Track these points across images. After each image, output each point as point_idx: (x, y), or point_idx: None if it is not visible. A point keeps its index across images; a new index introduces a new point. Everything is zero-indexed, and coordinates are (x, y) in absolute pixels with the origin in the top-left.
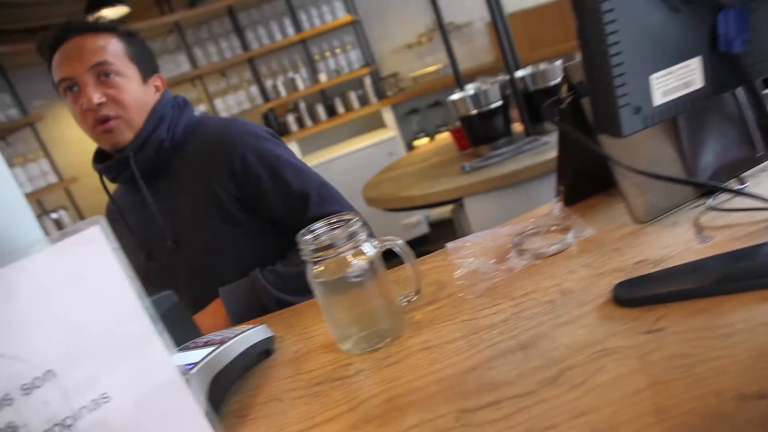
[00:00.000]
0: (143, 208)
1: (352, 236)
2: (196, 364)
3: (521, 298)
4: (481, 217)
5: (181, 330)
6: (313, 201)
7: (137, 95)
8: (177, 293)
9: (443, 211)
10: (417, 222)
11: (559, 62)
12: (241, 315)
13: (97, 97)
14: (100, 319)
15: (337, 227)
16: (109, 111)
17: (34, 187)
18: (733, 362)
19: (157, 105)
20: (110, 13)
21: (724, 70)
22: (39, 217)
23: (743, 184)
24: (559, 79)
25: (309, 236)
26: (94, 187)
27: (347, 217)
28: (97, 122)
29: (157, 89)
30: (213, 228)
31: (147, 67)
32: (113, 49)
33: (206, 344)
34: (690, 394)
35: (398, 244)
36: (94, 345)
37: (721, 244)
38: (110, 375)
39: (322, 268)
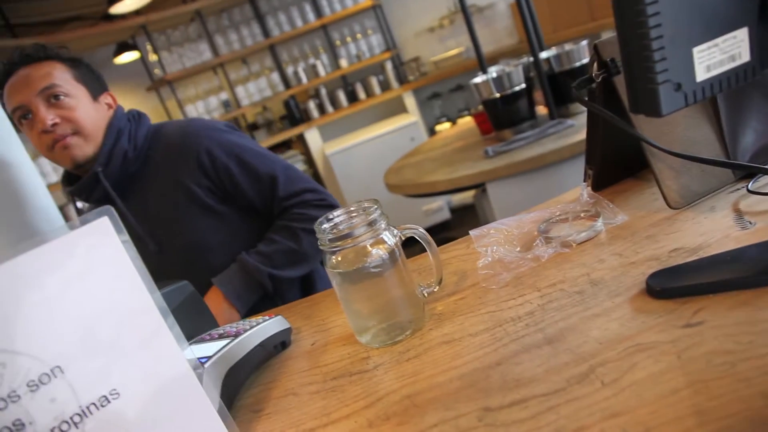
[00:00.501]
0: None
1: (371, 224)
2: (209, 357)
3: (548, 289)
4: (504, 203)
5: (197, 320)
6: (281, 181)
7: (89, 113)
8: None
9: (465, 197)
10: (438, 208)
11: (584, 42)
12: (242, 296)
13: (50, 118)
14: (109, 311)
15: (356, 215)
16: (64, 130)
17: (59, 177)
18: None
19: (113, 120)
20: (132, 2)
21: None
22: (64, 206)
23: None
24: (585, 60)
25: (327, 225)
26: None
27: (367, 204)
28: (54, 142)
29: (110, 106)
30: (193, 222)
31: (95, 86)
32: (58, 73)
33: (221, 336)
34: (734, 395)
35: (419, 232)
36: (103, 339)
37: (762, 230)
38: (120, 370)
39: (340, 258)
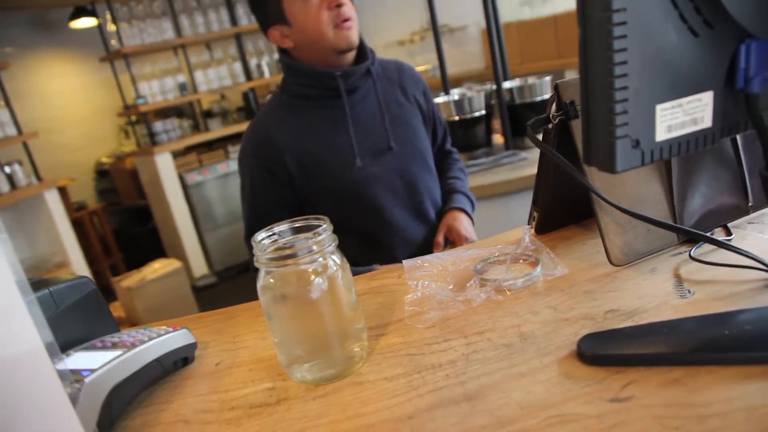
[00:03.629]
0: (343, 120)
1: (318, 246)
2: (93, 370)
3: (475, 337)
4: None
5: (94, 321)
6: (448, 133)
7: None
8: (391, 193)
9: None
10: None
11: (548, 78)
12: (470, 211)
13: None
14: None
15: (302, 232)
16: (349, 12)
17: None
18: None
19: None
20: None
21: (735, 111)
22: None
23: (729, 235)
24: (546, 95)
25: (267, 240)
26: (56, 144)
27: (315, 222)
28: (341, 20)
29: None
30: (421, 130)
31: None
32: None
33: (115, 345)
34: None
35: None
36: None
37: (701, 302)
38: None
39: (277, 279)
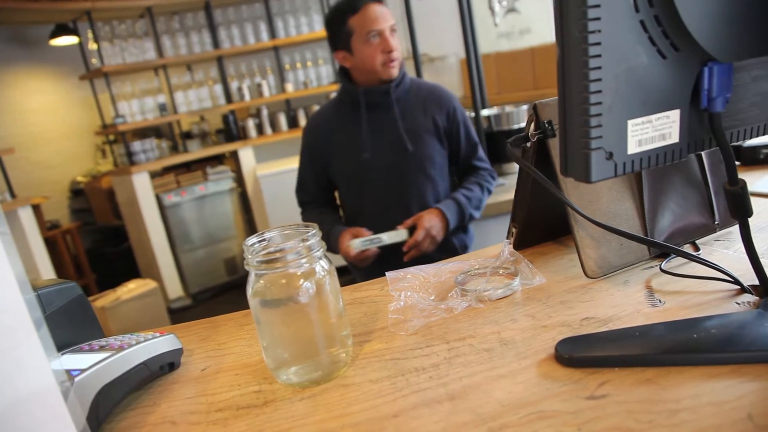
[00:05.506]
0: (375, 123)
1: (307, 251)
2: (83, 370)
3: (457, 342)
4: None
5: (80, 326)
6: (479, 148)
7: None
8: (398, 186)
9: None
10: None
11: (525, 107)
12: (453, 217)
13: (395, 45)
14: None
15: (291, 238)
16: (396, 55)
17: None
18: None
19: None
20: None
21: (700, 129)
22: None
23: (697, 250)
24: (523, 123)
25: (257, 244)
26: (31, 161)
27: (304, 228)
28: (389, 61)
29: None
30: (431, 141)
31: None
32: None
33: (102, 348)
34: None
35: None
36: None
37: (671, 310)
38: None
39: (267, 283)
